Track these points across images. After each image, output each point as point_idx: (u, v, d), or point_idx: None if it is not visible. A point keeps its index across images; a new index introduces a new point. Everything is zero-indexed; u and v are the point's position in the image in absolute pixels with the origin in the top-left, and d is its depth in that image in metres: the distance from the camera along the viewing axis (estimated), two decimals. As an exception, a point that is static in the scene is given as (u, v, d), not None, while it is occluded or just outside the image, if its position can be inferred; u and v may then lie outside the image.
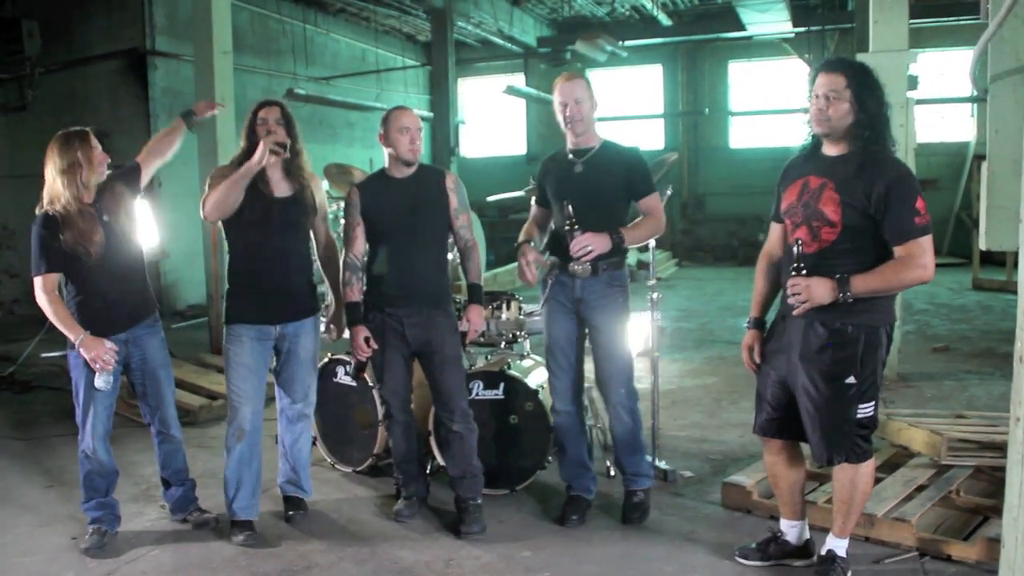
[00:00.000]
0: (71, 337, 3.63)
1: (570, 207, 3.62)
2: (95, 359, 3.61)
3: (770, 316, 3.35)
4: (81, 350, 3.61)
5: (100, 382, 3.65)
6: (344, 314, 4.01)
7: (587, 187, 3.75)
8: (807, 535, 3.46)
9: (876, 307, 3.00)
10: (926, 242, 2.87)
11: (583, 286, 3.77)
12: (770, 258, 3.35)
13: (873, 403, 3.08)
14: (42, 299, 3.65)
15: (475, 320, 3.93)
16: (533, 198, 4.12)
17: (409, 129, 3.80)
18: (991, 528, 3.46)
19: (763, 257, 3.38)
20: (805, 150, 3.18)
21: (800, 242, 2.97)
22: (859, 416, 3.04)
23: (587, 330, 3.87)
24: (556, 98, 3.79)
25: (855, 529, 3.58)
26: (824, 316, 2.97)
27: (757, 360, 3.30)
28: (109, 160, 3.73)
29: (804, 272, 2.90)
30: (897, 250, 2.90)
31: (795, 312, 2.96)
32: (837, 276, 2.88)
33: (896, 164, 2.98)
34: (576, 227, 3.60)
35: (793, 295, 2.91)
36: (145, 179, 3.91)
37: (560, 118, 3.80)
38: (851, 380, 2.99)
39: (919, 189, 2.92)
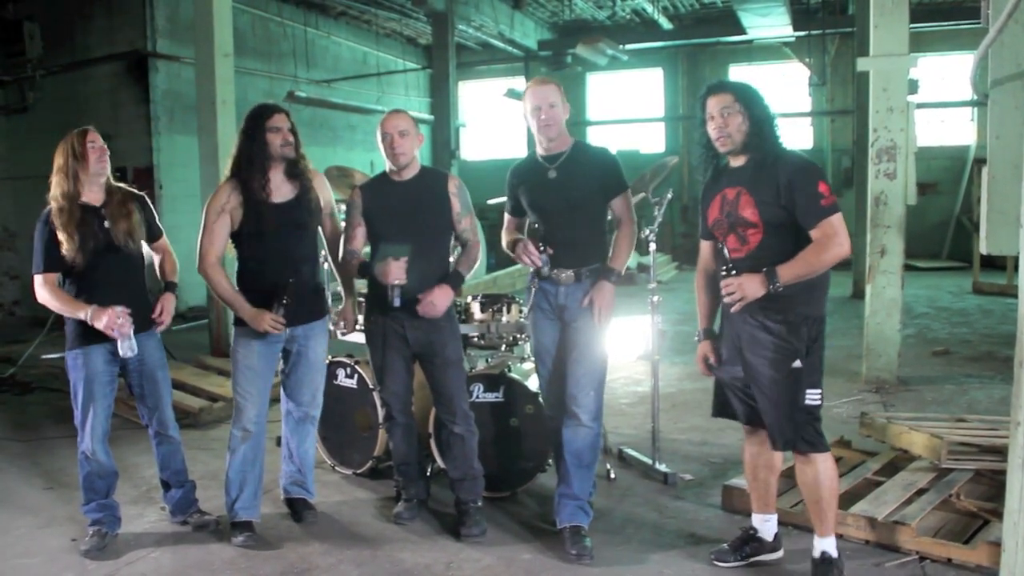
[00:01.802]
0: (79, 315, 3.60)
1: (538, 225, 3.73)
2: (109, 327, 3.57)
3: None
4: (93, 324, 3.57)
5: (124, 349, 3.61)
6: (355, 308, 4.11)
7: (562, 193, 3.71)
8: (776, 529, 3.56)
9: (813, 299, 3.19)
10: (836, 220, 3.06)
11: (566, 293, 3.73)
12: (706, 273, 3.58)
13: (819, 392, 3.21)
14: (41, 294, 3.67)
15: (436, 293, 3.75)
16: (505, 210, 4.03)
17: (389, 135, 3.80)
18: (991, 532, 3.46)
19: (700, 274, 3.62)
20: (714, 171, 3.40)
21: (722, 246, 3.24)
22: (807, 403, 3.17)
23: (567, 332, 3.79)
24: (528, 103, 3.71)
25: (856, 532, 3.60)
26: (768, 311, 3.15)
27: (713, 364, 3.50)
28: (105, 158, 3.71)
29: (735, 272, 3.11)
30: (813, 233, 3.08)
31: (732, 309, 3.16)
32: (764, 269, 3.06)
33: (794, 156, 3.23)
34: (543, 246, 3.66)
35: (728, 294, 3.11)
36: (149, 246, 3.98)
37: (533, 123, 3.72)
38: (797, 364, 3.15)
39: (821, 174, 3.19)
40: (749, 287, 3.07)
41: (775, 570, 3.47)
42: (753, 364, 3.23)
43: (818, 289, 3.20)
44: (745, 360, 3.27)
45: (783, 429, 3.19)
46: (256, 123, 3.78)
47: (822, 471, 3.20)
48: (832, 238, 3.04)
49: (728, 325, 3.38)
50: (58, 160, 3.68)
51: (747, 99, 3.20)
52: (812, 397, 3.18)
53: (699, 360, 3.58)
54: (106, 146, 3.75)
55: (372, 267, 3.81)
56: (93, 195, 3.73)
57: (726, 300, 3.14)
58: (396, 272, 3.65)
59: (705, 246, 3.55)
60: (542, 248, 3.67)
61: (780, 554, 3.54)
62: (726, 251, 3.22)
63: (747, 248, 3.20)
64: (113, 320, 3.56)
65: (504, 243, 3.90)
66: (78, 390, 3.75)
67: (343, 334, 4.19)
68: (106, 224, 3.71)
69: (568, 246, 3.71)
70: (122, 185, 3.90)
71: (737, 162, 3.28)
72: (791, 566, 3.48)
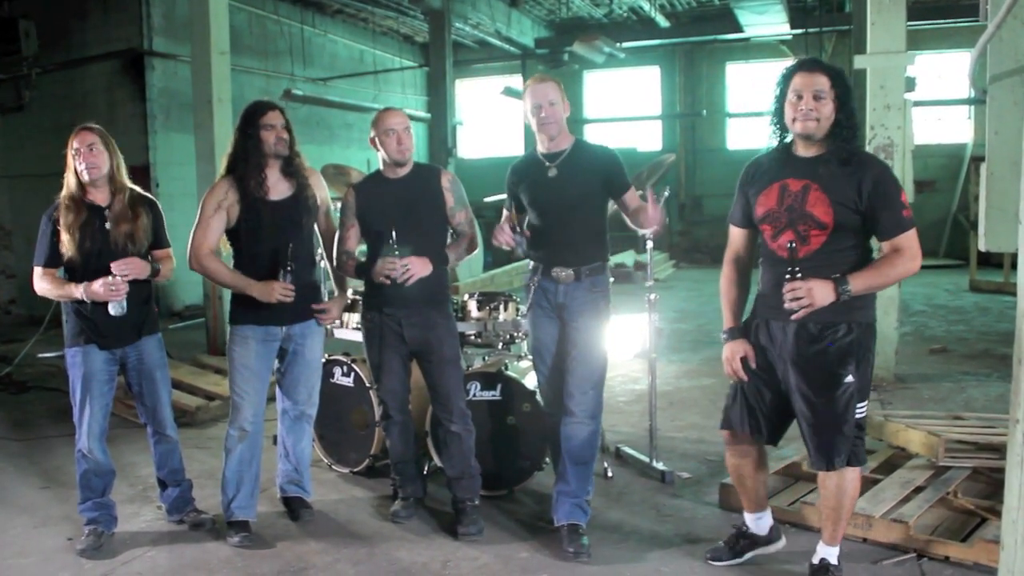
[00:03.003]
0: (75, 295, 3.59)
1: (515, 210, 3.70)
2: (106, 293, 3.54)
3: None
4: (92, 298, 3.56)
5: (114, 309, 3.58)
6: (340, 309, 4.09)
7: (562, 191, 3.70)
8: (771, 522, 3.51)
9: (865, 303, 3.01)
10: (914, 235, 2.94)
11: (566, 291, 3.72)
12: (737, 264, 3.30)
13: (867, 403, 3.08)
14: (39, 285, 3.68)
15: (414, 262, 3.70)
16: (505, 207, 3.99)
17: (395, 130, 3.77)
18: (989, 529, 3.45)
19: (729, 264, 3.31)
20: (772, 152, 3.14)
21: (793, 245, 2.94)
22: (858, 416, 3.03)
23: (567, 331, 3.76)
24: (528, 101, 3.70)
25: (853, 530, 3.59)
26: (816, 316, 2.93)
27: (752, 366, 3.19)
28: (92, 163, 3.64)
29: (800, 275, 2.87)
30: (886, 245, 2.94)
31: (795, 316, 2.93)
32: (835, 276, 2.88)
33: (876, 159, 3.06)
34: (519, 227, 3.62)
35: (794, 299, 2.86)
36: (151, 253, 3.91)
37: (533, 121, 3.71)
38: (849, 379, 2.98)
39: (900, 183, 3.01)
40: (820, 294, 2.83)
41: (772, 569, 3.46)
42: (802, 379, 3.02)
43: (870, 293, 3.04)
44: (787, 380, 3.08)
45: (826, 449, 3.02)
46: (250, 121, 3.78)
47: (848, 481, 3.09)
48: (908, 251, 2.90)
49: (763, 329, 3.16)
50: (68, 158, 3.70)
51: (843, 87, 2.95)
52: (861, 410, 3.03)
53: (731, 361, 3.21)
54: (95, 146, 3.65)
55: (368, 268, 3.81)
56: (98, 195, 3.72)
57: (789, 305, 2.86)
58: (389, 271, 3.66)
59: (738, 234, 3.28)
60: (517, 229, 3.62)
61: (781, 544, 3.51)
62: (793, 247, 2.92)
63: (807, 248, 2.96)
64: (108, 289, 3.54)
65: None
66: (76, 388, 3.74)
67: (320, 323, 4.09)
68: (107, 225, 3.70)
69: (568, 244, 3.70)
70: (134, 188, 3.87)
71: (807, 152, 3.03)
72: (788, 565, 3.47)
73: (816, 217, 2.94)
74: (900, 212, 2.92)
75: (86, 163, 3.64)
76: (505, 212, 3.99)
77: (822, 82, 2.92)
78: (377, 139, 3.83)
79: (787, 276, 2.89)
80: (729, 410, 3.29)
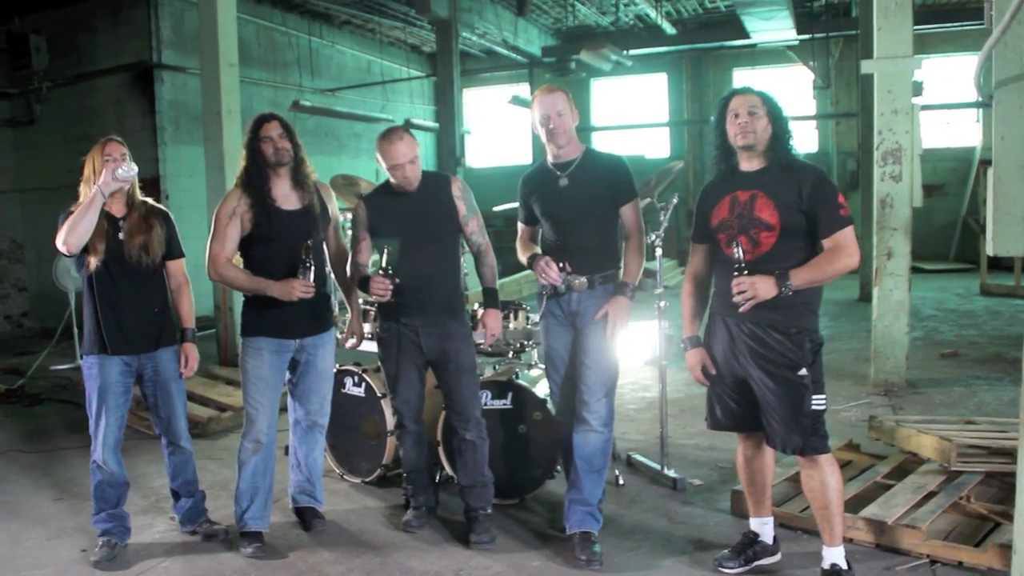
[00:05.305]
0: (94, 205, 3.57)
1: (560, 241, 3.72)
2: (109, 175, 3.56)
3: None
4: (104, 186, 3.57)
5: (126, 171, 3.60)
6: (360, 321, 4.11)
7: (574, 200, 3.71)
8: (774, 532, 3.57)
9: (813, 312, 3.24)
10: (851, 232, 3.15)
11: (579, 299, 3.73)
12: (696, 278, 3.55)
13: (824, 398, 3.23)
14: (58, 239, 3.63)
15: (491, 325, 3.91)
16: (519, 220, 4.01)
17: (401, 165, 3.77)
18: (1002, 534, 3.44)
19: (689, 278, 3.57)
20: (720, 174, 3.41)
21: (740, 245, 3.19)
22: (814, 408, 3.18)
23: (580, 339, 3.77)
24: (536, 112, 3.72)
25: (865, 535, 3.59)
26: (771, 320, 3.18)
27: (712, 371, 3.43)
28: (125, 173, 3.66)
29: (747, 272, 3.12)
30: (826, 242, 3.14)
31: (741, 309, 3.14)
32: (777, 272, 3.09)
33: (813, 166, 3.28)
34: (562, 264, 3.63)
35: (739, 293, 3.10)
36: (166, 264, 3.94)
37: (541, 132, 3.72)
38: (803, 372, 3.17)
39: (837, 186, 3.28)
40: (762, 287, 3.07)
41: (784, 575, 3.46)
42: (757, 376, 3.23)
43: (814, 304, 3.25)
44: (747, 371, 3.26)
45: (791, 437, 3.18)
46: (252, 133, 3.82)
47: (828, 474, 3.21)
48: (845, 248, 3.10)
49: (722, 333, 3.35)
50: (86, 170, 3.73)
51: (773, 106, 3.25)
52: (818, 402, 3.19)
53: (694, 368, 3.49)
54: (127, 157, 3.73)
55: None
56: (115, 206, 3.77)
57: (736, 299, 3.11)
58: (380, 290, 3.69)
59: (698, 250, 3.53)
60: (561, 265, 3.65)
61: (778, 557, 3.55)
62: (739, 251, 3.17)
63: (759, 251, 3.19)
64: (109, 178, 3.57)
65: (521, 256, 3.87)
66: (92, 399, 3.77)
67: (351, 347, 4.18)
68: (120, 236, 3.74)
69: (581, 253, 3.70)
70: (147, 200, 3.91)
71: (751, 165, 3.28)
72: (800, 571, 3.47)
73: (764, 220, 3.18)
74: (837, 211, 3.13)
75: (118, 173, 3.65)
76: (521, 226, 3.99)
77: (754, 100, 3.24)
78: (384, 168, 3.84)
79: (735, 273, 3.14)
80: (711, 410, 3.51)
